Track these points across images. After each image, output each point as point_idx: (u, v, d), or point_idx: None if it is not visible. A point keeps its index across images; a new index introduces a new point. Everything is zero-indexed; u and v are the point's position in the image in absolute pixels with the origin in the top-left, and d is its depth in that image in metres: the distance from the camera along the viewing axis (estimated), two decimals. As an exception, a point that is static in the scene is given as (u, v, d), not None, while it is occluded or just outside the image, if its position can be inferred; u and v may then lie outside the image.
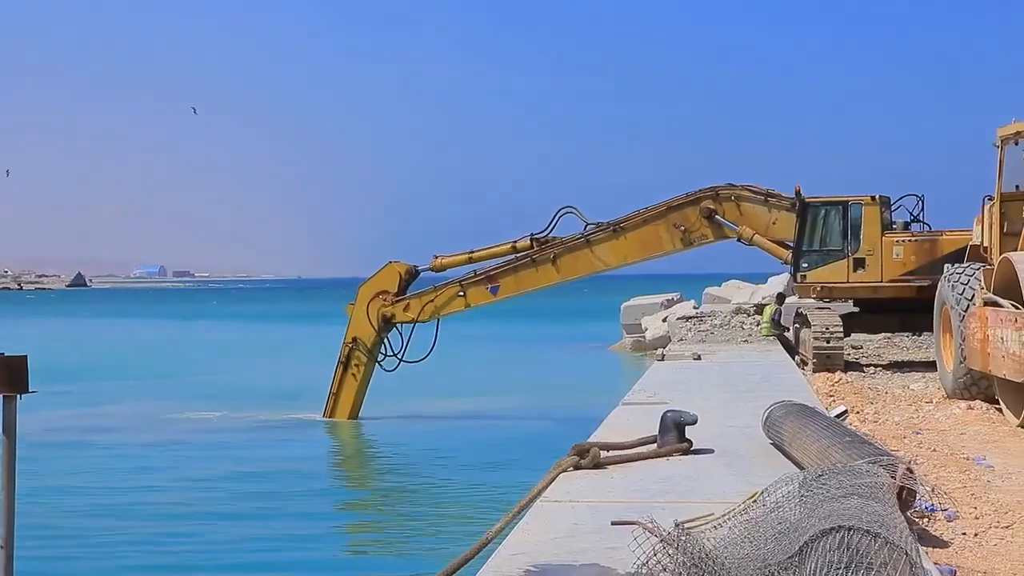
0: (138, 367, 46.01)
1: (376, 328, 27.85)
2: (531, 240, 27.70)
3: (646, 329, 47.65)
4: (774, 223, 26.72)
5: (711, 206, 26.83)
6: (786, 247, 26.42)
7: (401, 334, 28.12)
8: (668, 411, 10.98)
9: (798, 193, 25.88)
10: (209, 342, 63.44)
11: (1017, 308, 14.49)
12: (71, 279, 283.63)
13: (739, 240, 26.84)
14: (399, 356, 27.91)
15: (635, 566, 5.48)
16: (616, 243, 27.43)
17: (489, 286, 27.69)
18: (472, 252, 28.53)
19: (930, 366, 21.74)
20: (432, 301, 27.91)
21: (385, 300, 27.99)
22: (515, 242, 27.97)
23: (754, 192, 26.99)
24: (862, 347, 29.46)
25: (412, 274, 28.53)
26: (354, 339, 28.10)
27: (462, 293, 27.83)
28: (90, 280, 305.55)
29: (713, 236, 27.18)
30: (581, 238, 27.50)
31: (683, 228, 26.90)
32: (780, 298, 29.17)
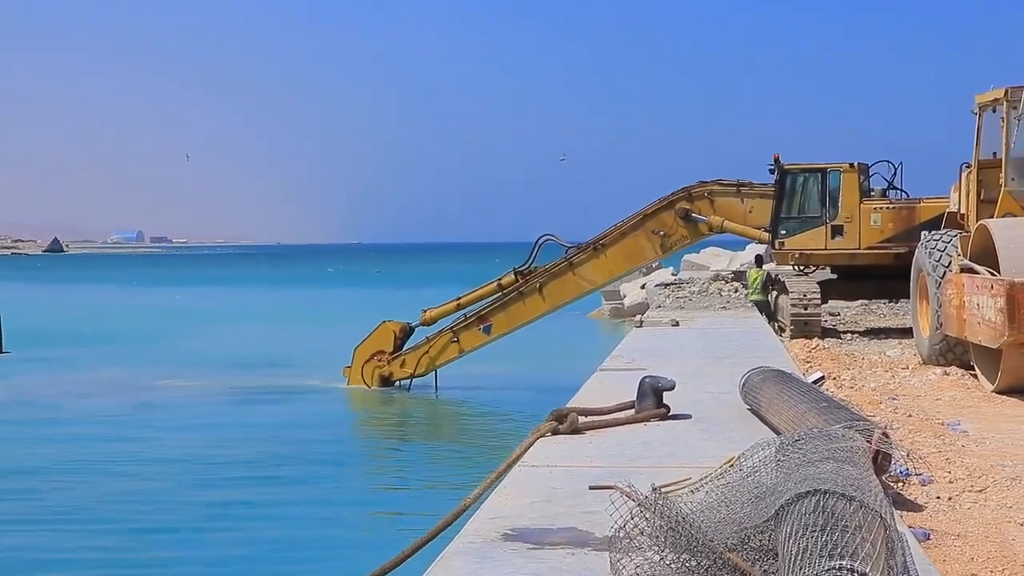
0: (115, 333, 45.82)
1: (373, 388, 27.96)
2: (515, 274, 27.82)
3: (624, 296, 47.73)
4: (750, 212, 26.98)
5: (686, 206, 27.10)
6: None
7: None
8: (646, 377, 11.00)
9: (777, 160, 25.89)
10: (187, 308, 63.19)
11: (993, 275, 14.56)
12: (47, 244, 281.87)
13: (711, 231, 27.20)
14: (408, 386, 28.13)
15: (612, 530, 5.50)
16: (599, 261, 27.65)
17: (481, 327, 27.76)
18: (459, 299, 28.70)
19: (906, 332, 21.85)
20: (427, 353, 28.00)
21: (380, 360, 28.05)
22: (499, 280, 28.16)
23: (725, 186, 27.27)
24: (839, 314, 29.58)
25: (407, 331, 28.60)
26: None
27: (455, 339, 27.85)
28: (66, 245, 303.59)
29: (691, 236, 27.68)
30: (564, 263, 27.68)
31: (662, 233, 27.19)
32: (759, 260, 29.24)
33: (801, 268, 26.27)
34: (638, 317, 25.83)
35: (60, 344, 40.51)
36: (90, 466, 19.73)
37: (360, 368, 28.04)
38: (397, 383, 28.15)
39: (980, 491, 8.96)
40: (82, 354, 37.59)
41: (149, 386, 29.68)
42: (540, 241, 27.86)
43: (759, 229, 26.71)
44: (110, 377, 31.42)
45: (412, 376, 28.03)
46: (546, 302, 27.69)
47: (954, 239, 17.37)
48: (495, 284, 28.17)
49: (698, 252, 48.72)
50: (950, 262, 16.89)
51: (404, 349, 28.26)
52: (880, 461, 7.60)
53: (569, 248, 27.78)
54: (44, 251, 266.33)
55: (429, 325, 28.72)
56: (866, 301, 30.17)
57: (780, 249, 25.90)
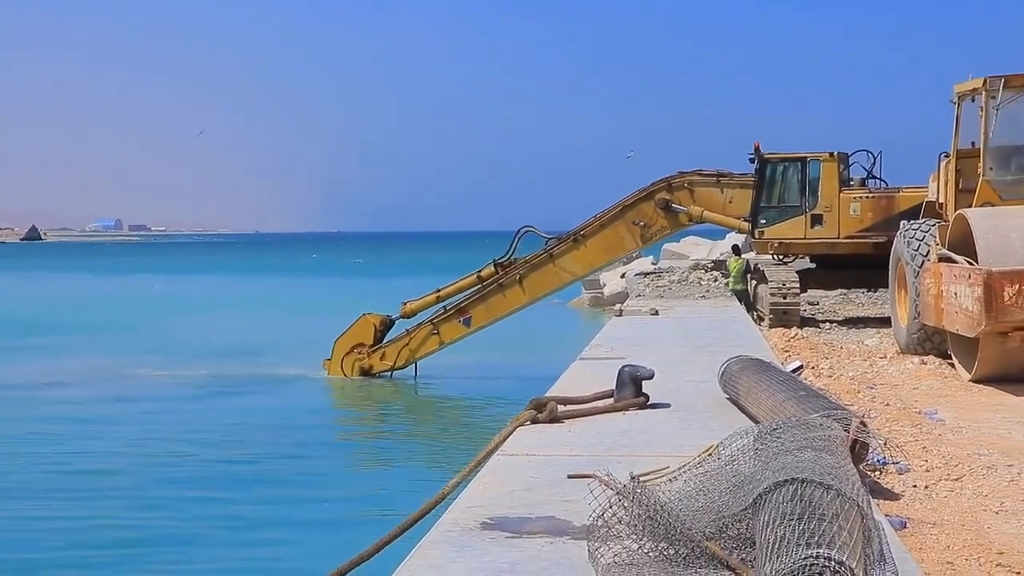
0: (94, 322, 45.62)
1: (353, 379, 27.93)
2: (495, 266, 27.78)
3: (604, 285, 47.77)
4: (730, 202, 27.00)
5: (666, 196, 27.10)
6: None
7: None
8: (625, 366, 11.00)
9: (757, 149, 25.94)
10: (166, 297, 62.96)
11: (971, 264, 14.62)
12: (25, 232, 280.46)
13: (690, 220, 27.22)
14: (390, 374, 28.13)
15: (591, 518, 5.51)
16: (579, 252, 27.63)
17: (460, 319, 27.72)
18: (439, 291, 28.65)
19: (885, 322, 21.93)
20: (407, 345, 27.98)
21: (361, 353, 28.00)
22: (479, 272, 28.09)
23: (705, 176, 27.29)
24: (818, 303, 29.66)
25: (387, 324, 28.55)
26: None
27: (435, 331, 27.83)
28: (44, 233, 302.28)
29: (671, 227, 27.65)
30: (544, 254, 27.64)
31: (642, 224, 27.16)
32: (736, 250, 29.29)
33: (780, 257, 26.34)
34: (618, 306, 25.84)
35: (38, 333, 40.33)
36: (66, 455, 19.66)
37: (340, 361, 28.01)
38: (377, 374, 28.12)
39: (956, 480, 9.00)
40: (60, 343, 37.44)
41: (127, 375, 29.57)
42: (520, 233, 27.84)
43: (739, 219, 26.75)
44: (88, 366, 31.28)
45: (392, 369, 28.02)
46: (526, 294, 27.67)
47: (932, 228, 17.43)
48: (475, 276, 28.13)
49: (678, 241, 48.80)
50: (928, 251, 16.95)
51: (384, 342, 28.22)
52: (857, 450, 7.63)
53: (549, 239, 27.77)
54: (22, 239, 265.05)
55: (409, 317, 28.68)
56: (845, 290, 30.26)
57: (760, 238, 25.97)
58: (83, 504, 16.20)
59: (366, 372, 28.01)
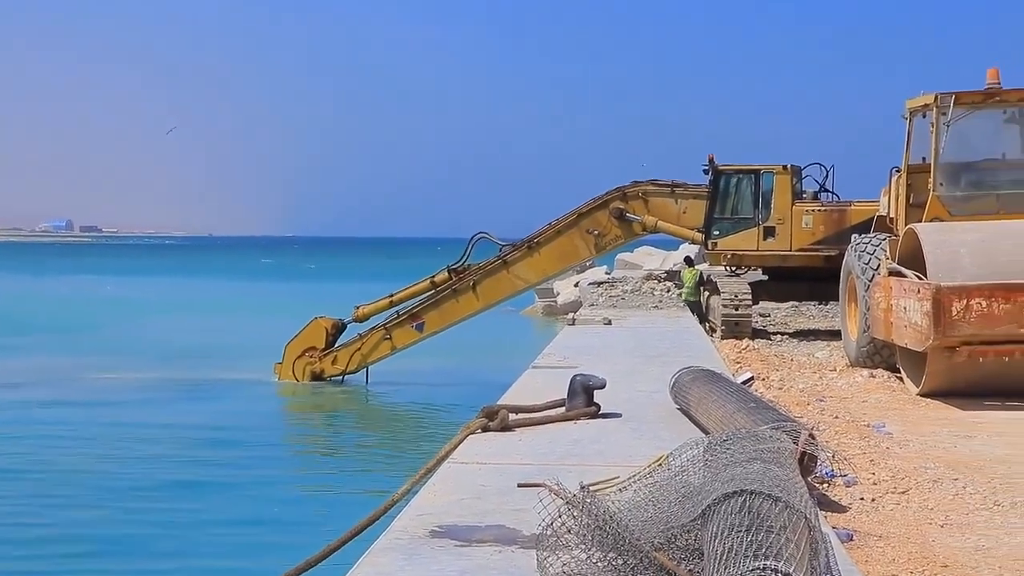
0: (44, 324, 45.13)
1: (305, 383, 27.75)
2: (448, 272, 27.75)
3: (558, 294, 47.84)
4: (684, 212, 27.14)
5: (620, 206, 27.16)
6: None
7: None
8: (577, 375, 11.02)
9: (711, 161, 26.08)
10: (117, 299, 62.38)
11: (920, 279, 14.75)
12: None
13: (644, 230, 27.32)
14: (341, 379, 28.02)
15: (540, 527, 5.50)
16: (532, 260, 27.63)
17: (413, 324, 27.63)
18: (392, 296, 28.57)
19: (835, 335, 22.10)
20: (359, 350, 27.85)
21: (312, 357, 27.83)
22: (433, 277, 28.06)
23: (660, 186, 27.41)
24: (769, 315, 29.87)
25: (339, 328, 28.38)
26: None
27: (388, 336, 27.73)
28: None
29: (625, 236, 27.70)
30: (498, 261, 27.63)
31: (596, 232, 27.22)
32: (689, 261, 29.44)
33: (733, 269, 26.48)
34: (571, 315, 25.92)
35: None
36: (13, 458, 19.39)
37: (291, 364, 27.82)
38: (328, 378, 27.98)
39: (903, 493, 9.07)
40: (7, 343, 36.95)
41: (75, 377, 29.22)
42: (474, 239, 27.82)
43: (693, 230, 26.87)
44: (37, 367, 30.92)
45: (344, 373, 27.88)
46: (479, 300, 27.65)
47: (883, 242, 17.59)
48: (428, 281, 28.07)
49: (632, 252, 48.92)
50: (879, 265, 17.10)
51: (336, 346, 28.09)
52: (806, 462, 7.68)
53: (503, 246, 27.77)
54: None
55: (362, 321, 28.56)
56: (796, 303, 30.49)
57: (713, 249, 26.10)
58: (26, 508, 15.99)
59: (317, 376, 27.85)
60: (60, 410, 24.63)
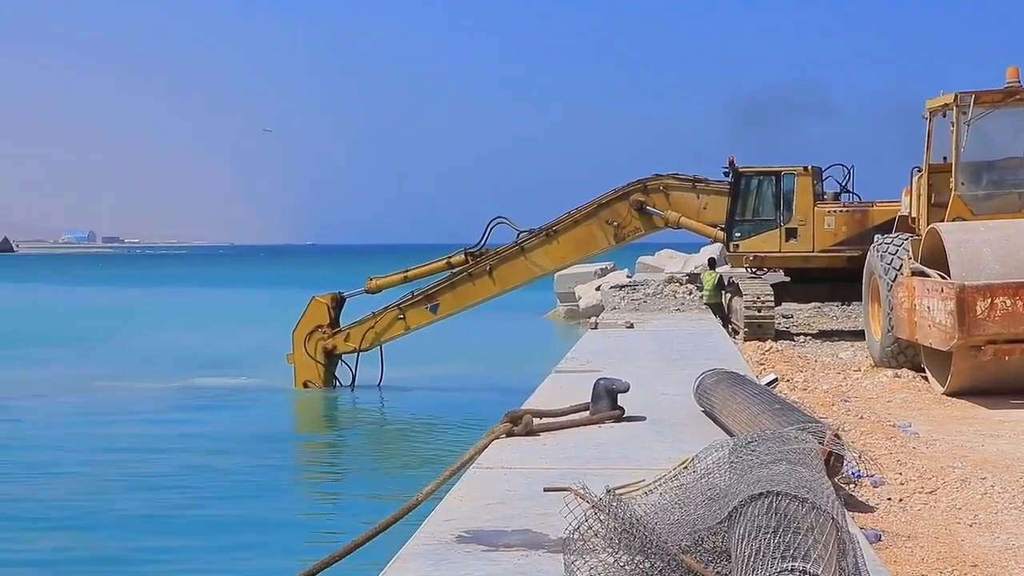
0: (63, 334, 45.28)
1: (322, 363, 27.64)
2: (465, 255, 27.69)
3: (580, 298, 47.79)
4: (705, 208, 27.01)
5: (641, 198, 27.05)
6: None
7: (348, 364, 27.97)
8: (600, 379, 11.01)
9: (731, 163, 26.07)
10: (134, 309, 62.58)
11: (943, 278, 14.71)
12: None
13: (667, 225, 27.17)
14: (351, 386, 27.85)
15: (566, 532, 5.51)
16: (550, 247, 27.52)
17: (428, 305, 27.53)
18: (407, 271, 28.44)
19: (859, 335, 22.03)
20: (372, 328, 27.69)
21: (324, 333, 27.74)
22: (449, 258, 27.99)
23: (681, 180, 27.28)
24: (792, 316, 29.78)
25: (338, 301, 28.26)
26: (305, 383, 27.79)
27: (401, 316, 27.61)
28: (16, 245, 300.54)
29: (644, 228, 27.49)
30: (515, 247, 27.53)
31: (615, 224, 27.10)
32: (712, 263, 29.37)
33: (755, 270, 26.43)
34: (593, 319, 25.87)
35: (5, 344, 40.01)
36: (27, 467, 19.49)
37: (303, 346, 27.62)
38: (339, 384, 27.85)
39: (930, 492, 9.05)
40: (28, 354, 37.14)
41: (92, 387, 29.27)
42: (492, 224, 27.71)
43: (713, 226, 26.76)
44: (55, 377, 31.04)
45: (357, 351, 27.65)
46: (495, 285, 27.52)
47: (905, 243, 17.55)
48: (445, 262, 27.96)
49: (653, 255, 48.94)
50: (901, 265, 17.06)
51: (350, 324, 27.92)
52: (832, 463, 7.66)
53: (521, 232, 27.69)
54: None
55: (374, 293, 28.38)
56: (819, 304, 30.39)
57: (735, 251, 26.07)
58: (43, 516, 16.07)
59: (330, 352, 27.69)
60: (74, 419, 24.70)
